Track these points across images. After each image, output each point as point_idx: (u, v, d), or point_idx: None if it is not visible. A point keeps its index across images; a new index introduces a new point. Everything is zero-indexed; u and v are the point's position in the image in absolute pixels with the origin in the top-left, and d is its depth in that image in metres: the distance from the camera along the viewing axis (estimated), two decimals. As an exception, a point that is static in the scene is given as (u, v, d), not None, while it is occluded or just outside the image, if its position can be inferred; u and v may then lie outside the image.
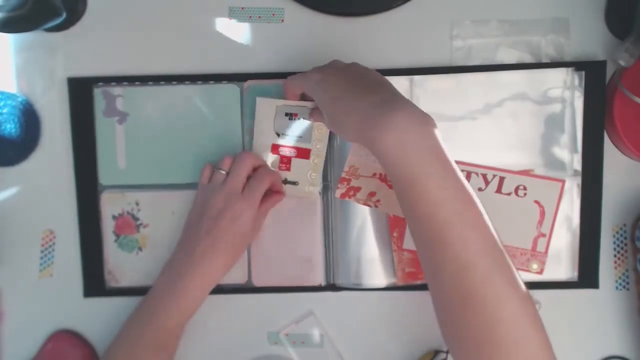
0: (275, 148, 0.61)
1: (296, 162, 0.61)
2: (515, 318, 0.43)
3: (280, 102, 0.60)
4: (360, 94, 0.49)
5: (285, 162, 0.61)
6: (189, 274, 0.56)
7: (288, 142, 0.61)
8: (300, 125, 0.60)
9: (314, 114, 0.59)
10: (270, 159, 0.61)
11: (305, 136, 0.60)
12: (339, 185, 0.60)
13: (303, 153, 0.61)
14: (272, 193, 0.61)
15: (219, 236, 0.56)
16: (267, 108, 0.60)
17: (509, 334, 0.43)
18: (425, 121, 0.46)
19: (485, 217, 0.45)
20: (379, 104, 0.47)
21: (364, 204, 0.60)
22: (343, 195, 0.60)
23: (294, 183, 0.62)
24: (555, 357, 0.45)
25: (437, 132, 0.46)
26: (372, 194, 0.60)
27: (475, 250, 0.43)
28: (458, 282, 0.43)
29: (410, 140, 0.44)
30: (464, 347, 0.45)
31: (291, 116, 0.60)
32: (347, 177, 0.60)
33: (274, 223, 0.62)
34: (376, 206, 0.60)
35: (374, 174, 0.60)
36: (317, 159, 0.61)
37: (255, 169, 0.59)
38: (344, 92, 0.50)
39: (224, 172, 0.58)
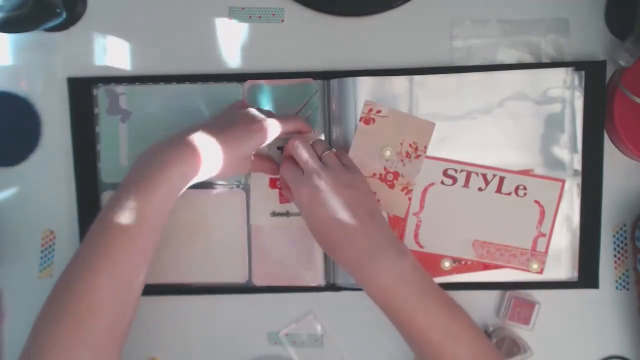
0: (273, 182, 0.62)
1: None
2: None
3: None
4: (353, 234, 0.52)
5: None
6: (172, 148, 0.50)
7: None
8: None
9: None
10: (270, 194, 0.61)
11: None
12: None
13: None
14: (271, 162, 0.60)
15: (229, 135, 0.52)
16: None
17: None
18: (407, 264, 0.51)
19: (470, 322, 0.52)
20: (369, 252, 0.51)
21: None
22: None
23: (297, 214, 0.62)
24: None
25: (415, 264, 0.52)
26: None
27: None
28: None
29: (396, 284, 0.51)
30: None
31: (283, 150, 0.60)
32: None
33: (274, 223, 0.62)
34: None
35: (374, 174, 0.60)
36: None
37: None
38: (337, 223, 0.52)
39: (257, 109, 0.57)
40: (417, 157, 0.60)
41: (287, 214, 0.62)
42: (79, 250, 0.49)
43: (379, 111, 0.60)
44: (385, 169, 0.60)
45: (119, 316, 0.49)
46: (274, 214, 0.62)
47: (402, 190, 0.60)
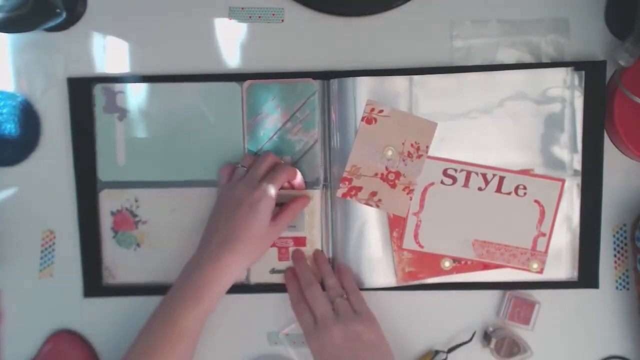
0: None
1: None
2: None
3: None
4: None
5: (284, 252, 0.62)
6: (206, 268, 0.54)
7: (283, 233, 0.61)
8: None
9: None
10: (269, 251, 0.62)
11: (298, 225, 0.62)
12: (340, 185, 0.60)
13: (299, 242, 0.62)
14: (297, 197, 0.61)
15: (236, 226, 0.55)
16: None
17: None
18: None
19: None
20: None
21: (366, 203, 0.60)
22: (345, 195, 0.60)
23: None
24: None
25: None
26: (373, 194, 0.60)
27: None
28: None
29: None
30: None
31: (282, 206, 0.61)
32: (349, 176, 0.60)
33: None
34: (377, 206, 0.60)
35: (376, 174, 0.60)
36: (313, 246, 0.62)
37: None
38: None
39: (245, 168, 0.59)
40: (419, 157, 0.60)
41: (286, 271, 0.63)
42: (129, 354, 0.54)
43: (380, 111, 0.59)
44: (387, 168, 0.60)
45: None
46: (273, 271, 0.63)
47: (403, 190, 0.60)
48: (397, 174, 0.60)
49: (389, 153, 0.60)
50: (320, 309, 0.56)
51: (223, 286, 0.55)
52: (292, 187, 0.61)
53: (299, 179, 0.61)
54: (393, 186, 0.60)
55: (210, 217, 0.58)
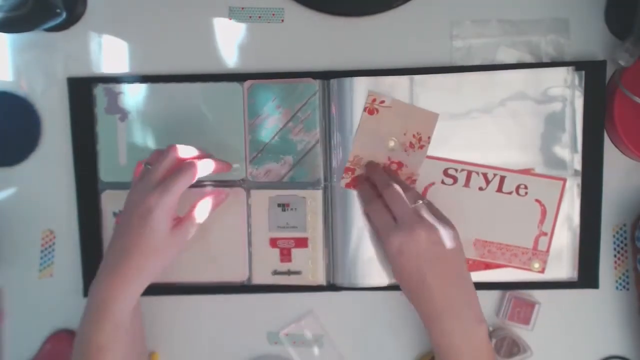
0: (273, 242, 0.62)
1: (296, 252, 0.62)
2: None
3: (273, 192, 0.61)
4: (439, 292, 0.52)
5: (286, 253, 0.62)
6: (106, 284, 0.51)
7: (285, 233, 0.61)
8: (293, 215, 0.61)
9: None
10: (271, 253, 0.62)
11: (300, 225, 0.61)
12: (343, 175, 0.60)
13: (301, 242, 0.62)
14: (207, 194, 0.56)
15: (127, 241, 0.51)
16: (260, 200, 0.62)
17: None
18: (481, 334, 0.53)
19: None
20: (449, 311, 0.52)
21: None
22: (348, 185, 0.60)
23: (297, 273, 0.62)
24: None
25: (486, 335, 0.53)
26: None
27: None
28: None
29: (464, 346, 0.52)
30: None
31: (284, 207, 0.61)
32: (352, 166, 0.60)
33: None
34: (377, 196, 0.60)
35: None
36: (315, 246, 0.62)
37: None
38: (425, 279, 0.52)
39: (148, 167, 0.53)
40: (421, 147, 0.60)
41: (287, 272, 0.62)
42: None
43: (382, 101, 0.59)
44: (389, 158, 0.60)
45: None
46: (275, 272, 0.63)
47: (406, 179, 0.60)
48: (400, 165, 0.60)
49: (391, 144, 0.60)
50: (403, 208, 0.53)
51: (129, 300, 0.52)
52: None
53: (213, 167, 0.55)
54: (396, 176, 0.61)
55: (117, 221, 0.55)
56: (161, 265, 0.53)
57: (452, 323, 0.52)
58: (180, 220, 0.54)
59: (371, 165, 0.60)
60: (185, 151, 0.54)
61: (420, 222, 0.53)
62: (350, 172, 0.60)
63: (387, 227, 0.54)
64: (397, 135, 0.60)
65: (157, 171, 0.52)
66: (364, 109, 0.59)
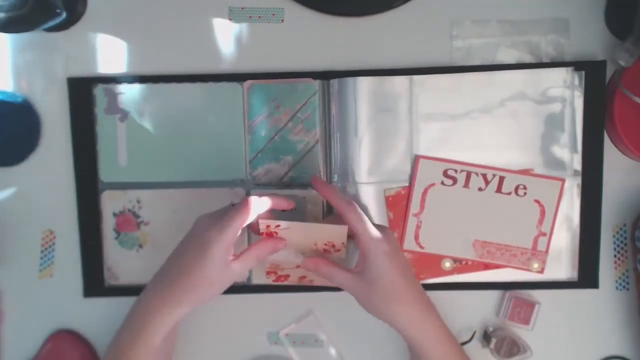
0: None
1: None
2: None
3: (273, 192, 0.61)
4: (416, 288, 0.55)
5: None
6: (153, 308, 0.53)
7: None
8: (293, 215, 0.60)
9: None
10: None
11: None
12: (267, 276, 0.60)
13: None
14: (270, 239, 0.56)
15: (183, 272, 0.52)
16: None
17: None
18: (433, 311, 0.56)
19: None
20: (423, 310, 0.55)
21: (299, 284, 0.61)
22: (277, 280, 0.61)
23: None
24: None
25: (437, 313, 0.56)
26: (302, 278, 0.60)
27: None
28: None
29: (450, 344, 0.55)
30: None
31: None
32: (272, 270, 0.60)
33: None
34: (312, 283, 0.61)
35: (298, 266, 0.59)
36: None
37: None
38: (408, 276, 0.54)
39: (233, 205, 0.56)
40: (338, 250, 0.57)
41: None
42: None
43: (277, 225, 0.54)
44: (305, 260, 0.57)
45: None
46: None
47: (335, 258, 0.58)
48: (321, 254, 0.58)
49: (302, 257, 0.58)
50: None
51: (171, 323, 0.53)
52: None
53: (270, 203, 0.55)
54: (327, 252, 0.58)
55: (179, 244, 0.55)
56: (210, 295, 0.53)
57: (430, 319, 0.55)
58: (239, 255, 0.54)
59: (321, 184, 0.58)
60: (262, 204, 0.54)
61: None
62: (273, 274, 0.60)
63: (373, 228, 0.54)
64: (305, 249, 0.57)
65: (230, 209, 0.53)
66: (261, 234, 0.55)
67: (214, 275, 0.52)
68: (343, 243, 0.56)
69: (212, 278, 0.52)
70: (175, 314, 0.53)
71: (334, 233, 0.55)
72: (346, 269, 0.55)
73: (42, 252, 0.64)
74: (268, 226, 0.54)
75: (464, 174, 0.60)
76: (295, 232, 0.55)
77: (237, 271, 0.53)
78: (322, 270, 0.55)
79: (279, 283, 0.61)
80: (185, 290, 0.52)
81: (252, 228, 0.56)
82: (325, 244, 0.56)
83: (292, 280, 0.61)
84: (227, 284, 0.54)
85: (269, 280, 0.61)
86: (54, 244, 0.64)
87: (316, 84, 0.61)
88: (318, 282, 0.61)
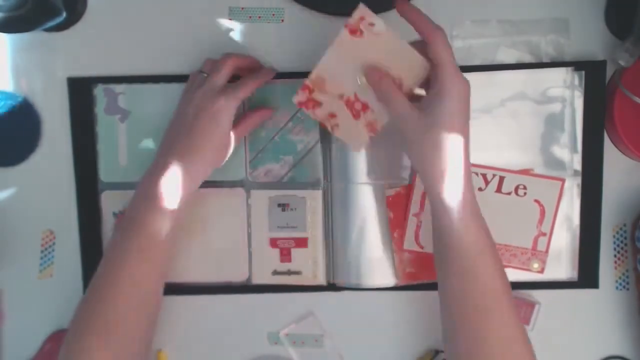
0: (273, 242, 0.62)
1: (296, 252, 0.62)
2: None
3: (273, 192, 0.61)
4: (467, 139, 0.51)
5: (285, 253, 0.62)
6: (168, 175, 0.54)
7: (285, 233, 0.61)
8: (293, 215, 0.61)
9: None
10: (271, 253, 0.62)
11: (300, 225, 0.62)
12: (299, 92, 0.54)
13: (301, 242, 0.62)
14: (259, 108, 0.60)
15: (197, 138, 0.55)
16: (260, 200, 0.62)
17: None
18: (472, 195, 0.52)
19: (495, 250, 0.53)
20: (454, 171, 0.50)
21: (321, 123, 0.55)
22: (301, 104, 0.54)
23: (297, 273, 0.62)
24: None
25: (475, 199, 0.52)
26: (332, 116, 0.54)
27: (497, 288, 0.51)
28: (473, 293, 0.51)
29: (476, 213, 0.52)
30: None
31: (284, 207, 0.61)
32: (311, 85, 0.53)
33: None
34: (332, 129, 0.55)
35: (341, 96, 0.53)
36: (315, 246, 0.62)
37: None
38: (466, 122, 0.51)
39: (205, 75, 0.57)
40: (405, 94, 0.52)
41: (288, 272, 0.62)
42: (99, 269, 0.55)
43: (372, 24, 0.49)
44: (355, 95, 0.53)
45: (141, 324, 0.55)
46: (275, 272, 0.63)
47: (365, 126, 0.54)
48: (365, 107, 0.53)
49: (363, 79, 0.52)
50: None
51: (186, 193, 0.55)
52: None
53: (269, 76, 0.59)
54: (356, 116, 0.54)
55: (171, 123, 0.58)
56: (221, 160, 0.58)
57: (458, 182, 0.50)
58: (237, 124, 0.57)
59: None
60: (240, 59, 0.58)
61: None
62: (307, 91, 0.53)
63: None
64: (367, 73, 0.52)
65: (218, 75, 0.56)
66: (346, 26, 0.50)
67: (225, 141, 0.56)
68: (410, 89, 0.51)
69: (224, 144, 0.56)
70: (191, 191, 0.56)
71: (415, 64, 0.49)
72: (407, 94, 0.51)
73: (42, 252, 0.64)
74: (362, 18, 0.49)
75: (464, 174, 0.60)
76: (380, 42, 0.49)
77: (239, 136, 0.58)
78: (384, 84, 0.51)
79: (303, 109, 0.54)
80: (201, 163, 0.55)
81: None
82: (393, 80, 0.50)
83: (318, 114, 0.54)
84: (230, 149, 0.58)
85: (293, 99, 0.54)
86: (54, 244, 0.64)
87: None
88: (340, 133, 0.54)
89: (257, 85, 0.58)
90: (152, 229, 0.54)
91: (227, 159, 0.58)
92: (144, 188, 0.55)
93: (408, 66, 0.51)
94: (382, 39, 0.50)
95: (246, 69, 0.59)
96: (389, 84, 0.51)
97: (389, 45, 0.50)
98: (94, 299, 0.54)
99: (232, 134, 0.56)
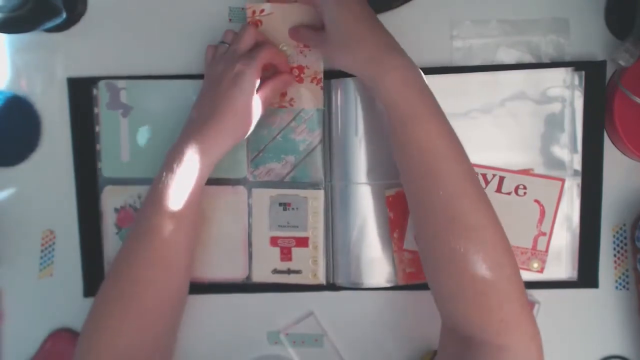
0: (274, 240, 0.62)
1: (296, 252, 0.62)
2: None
3: (274, 191, 0.61)
4: (375, 28, 0.54)
5: (286, 252, 0.62)
6: (193, 145, 0.54)
7: (285, 232, 0.62)
8: (294, 215, 0.62)
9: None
10: (271, 252, 0.62)
11: (301, 225, 0.62)
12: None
13: (301, 242, 0.62)
14: (281, 74, 0.60)
15: (220, 102, 0.55)
16: (261, 199, 0.62)
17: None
18: (417, 68, 0.53)
19: (461, 147, 0.53)
20: (390, 44, 0.53)
21: (279, 107, 0.61)
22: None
23: (297, 272, 0.62)
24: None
25: (422, 75, 0.53)
26: (283, 95, 0.61)
27: (460, 180, 0.51)
28: (446, 205, 0.50)
29: (410, 81, 0.52)
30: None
31: (285, 206, 0.61)
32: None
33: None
34: (292, 105, 0.61)
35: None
36: (316, 246, 0.62)
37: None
38: (363, 18, 0.53)
39: (226, 44, 0.58)
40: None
41: (288, 271, 0.62)
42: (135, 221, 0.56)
43: (262, 10, 0.59)
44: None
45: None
46: (275, 271, 0.63)
47: (311, 81, 0.60)
48: (300, 68, 0.60)
49: (285, 49, 0.60)
50: None
51: (211, 161, 0.55)
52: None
53: (284, 63, 0.60)
54: (300, 81, 0.60)
55: (197, 97, 0.58)
56: (246, 128, 0.57)
57: (402, 60, 0.52)
58: (259, 89, 0.57)
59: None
60: (259, 33, 0.59)
61: None
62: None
63: None
64: (287, 39, 0.60)
65: (241, 43, 0.57)
66: (248, 24, 0.59)
67: (248, 104, 0.55)
68: (318, 22, 0.58)
69: (247, 107, 0.55)
70: (218, 154, 0.56)
71: (310, 13, 0.58)
72: (315, 29, 0.57)
73: (42, 252, 0.64)
74: (254, 12, 0.59)
75: (464, 174, 0.60)
76: (277, 18, 0.59)
77: (264, 103, 0.57)
78: (301, 33, 0.59)
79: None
80: (225, 125, 0.55)
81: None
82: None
83: (274, 102, 0.61)
84: (256, 117, 0.57)
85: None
86: (54, 243, 0.64)
87: (317, 83, 0.61)
88: (299, 103, 0.61)
89: (275, 56, 0.58)
90: (178, 200, 0.54)
91: (252, 129, 0.57)
92: (174, 155, 0.55)
93: (307, 16, 0.59)
94: (274, 14, 0.59)
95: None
96: (303, 30, 0.58)
97: (283, 13, 0.59)
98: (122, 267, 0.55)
99: (255, 102, 0.56)
